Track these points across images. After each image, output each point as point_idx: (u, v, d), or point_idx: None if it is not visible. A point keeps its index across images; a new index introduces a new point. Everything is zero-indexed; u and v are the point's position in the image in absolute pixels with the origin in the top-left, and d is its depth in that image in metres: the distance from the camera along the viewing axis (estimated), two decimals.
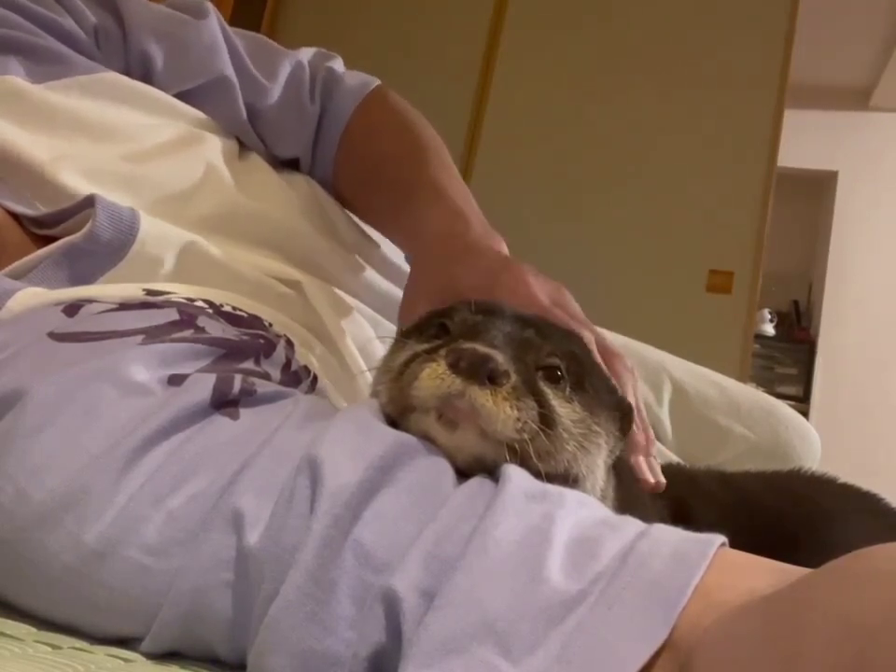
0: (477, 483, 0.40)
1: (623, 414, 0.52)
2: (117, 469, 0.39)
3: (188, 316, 0.50)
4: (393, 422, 0.44)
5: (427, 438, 0.42)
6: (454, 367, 0.42)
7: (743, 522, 0.60)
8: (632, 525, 0.37)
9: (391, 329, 0.73)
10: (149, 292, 0.55)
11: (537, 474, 0.41)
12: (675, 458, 0.96)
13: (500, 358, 0.42)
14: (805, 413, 3.76)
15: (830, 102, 4.47)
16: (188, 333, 0.48)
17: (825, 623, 0.27)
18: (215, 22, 0.76)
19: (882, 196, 4.47)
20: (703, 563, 0.33)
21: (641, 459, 0.56)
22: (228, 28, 0.77)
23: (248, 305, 0.60)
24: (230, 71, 0.75)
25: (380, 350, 0.60)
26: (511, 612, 0.32)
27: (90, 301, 0.51)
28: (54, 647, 0.37)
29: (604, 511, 0.40)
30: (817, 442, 1.07)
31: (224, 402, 0.43)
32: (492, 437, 0.42)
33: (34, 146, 0.63)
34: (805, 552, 0.56)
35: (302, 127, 0.79)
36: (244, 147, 0.78)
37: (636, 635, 0.31)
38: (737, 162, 2.77)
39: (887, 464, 3.82)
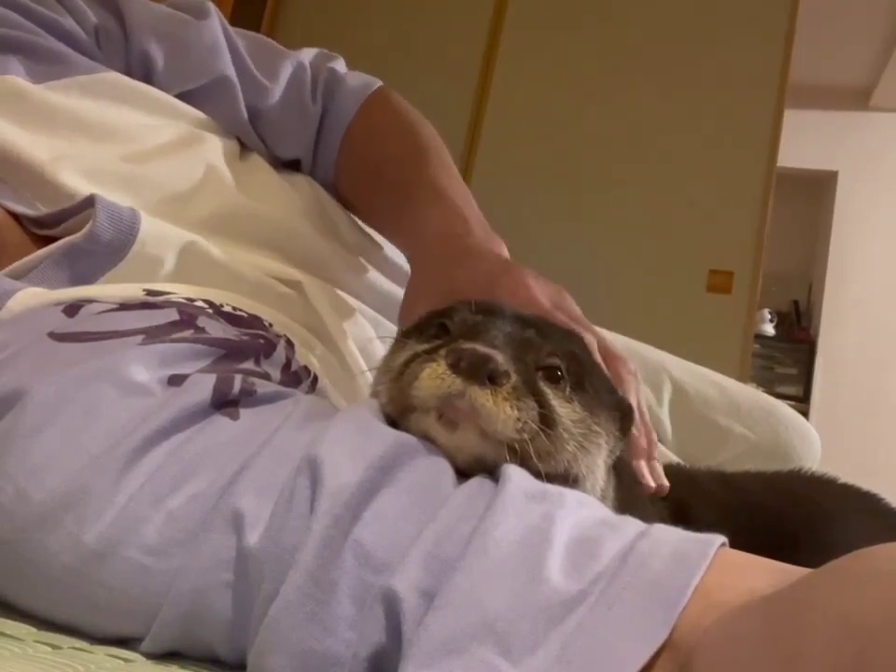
0: (477, 483, 0.40)
1: (623, 414, 0.52)
2: (117, 469, 0.39)
3: (188, 317, 0.50)
4: (393, 422, 0.44)
5: (427, 438, 0.42)
6: (454, 367, 0.42)
7: (743, 522, 0.60)
8: (632, 525, 0.37)
9: (392, 329, 0.73)
10: (149, 292, 0.55)
11: (537, 474, 0.41)
12: (675, 458, 0.96)
13: (500, 358, 0.42)
14: (805, 413, 3.76)
15: (830, 102, 4.47)
16: (188, 333, 0.48)
17: (825, 623, 0.27)
18: (216, 22, 0.76)
19: (882, 196, 4.47)
20: (703, 563, 0.33)
21: (643, 463, 0.56)
22: (229, 28, 0.77)
23: (248, 305, 0.60)
24: (231, 71, 0.75)
25: (380, 350, 0.60)
26: (511, 612, 0.32)
27: (90, 301, 0.51)
28: (54, 647, 0.37)
29: (604, 511, 0.40)
30: (817, 442, 1.07)
31: (224, 402, 0.43)
32: (492, 437, 0.42)
33: (34, 146, 0.63)
34: (804, 552, 0.56)
35: (304, 128, 0.79)
36: (244, 147, 0.78)
37: (636, 635, 0.31)
38: (737, 162, 2.77)
39: (887, 464, 3.82)
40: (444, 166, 0.73)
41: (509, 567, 0.34)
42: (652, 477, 0.56)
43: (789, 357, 4.64)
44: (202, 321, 0.50)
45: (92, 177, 0.63)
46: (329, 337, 0.68)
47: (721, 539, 0.35)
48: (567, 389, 0.47)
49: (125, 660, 0.37)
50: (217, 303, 0.56)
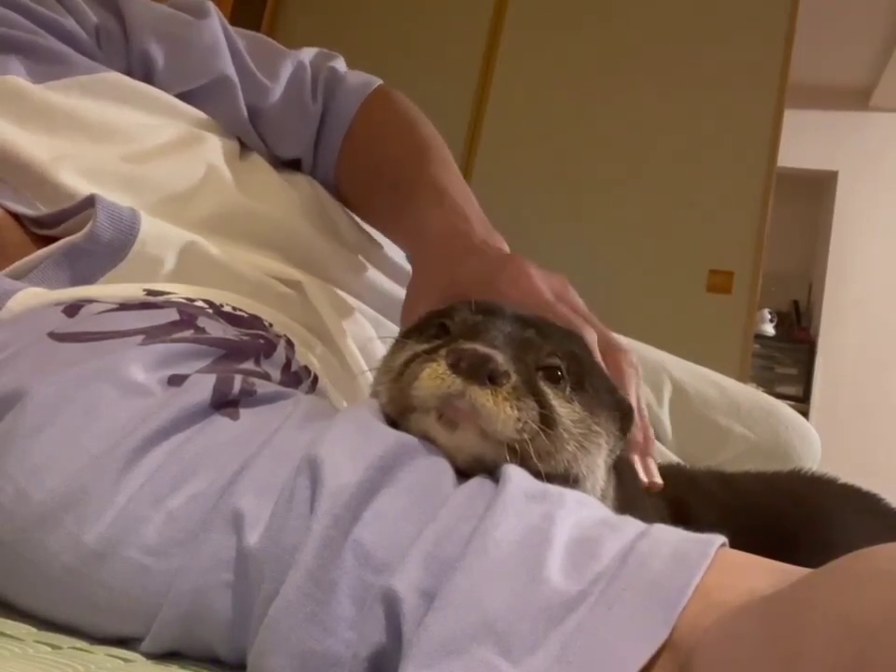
0: (477, 484, 0.40)
1: (622, 414, 0.52)
2: (117, 469, 0.39)
3: (188, 317, 0.50)
4: (393, 422, 0.44)
5: (427, 438, 0.42)
6: (454, 367, 0.42)
7: (743, 522, 0.60)
8: (632, 525, 0.37)
9: (393, 329, 0.73)
10: (150, 292, 0.55)
11: (537, 474, 0.41)
12: (675, 458, 0.96)
13: (500, 359, 0.42)
14: (805, 413, 3.76)
15: (830, 102, 4.47)
16: (188, 333, 0.48)
17: (825, 623, 0.27)
18: (216, 22, 0.76)
19: (882, 196, 4.47)
20: (703, 563, 0.33)
21: (637, 458, 0.56)
22: (229, 28, 0.77)
23: (248, 305, 0.60)
24: (231, 71, 0.75)
25: (381, 350, 0.60)
26: (511, 613, 0.32)
27: (90, 301, 0.51)
28: (54, 647, 0.37)
29: (604, 511, 0.40)
30: (817, 443, 1.07)
31: (224, 403, 0.43)
32: (492, 437, 0.42)
33: (34, 146, 0.63)
34: (804, 552, 0.55)
35: (304, 127, 0.79)
36: (245, 147, 0.78)
37: (636, 635, 0.31)
38: (737, 162, 2.77)
39: (887, 464, 3.82)
40: (445, 164, 0.73)
41: (509, 567, 0.34)
42: (646, 473, 0.56)
43: (789, 357, 4.64)
44: (202, 321, 0.50)
45: (92, 177, 0.63)
46: (330, 337, 0.68)
47: (721, 539, 0.35)
48: (567, 389, 0.47)
49: (125, 660, 0.37)
50: (217, 303, 0.56)
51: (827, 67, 4.18)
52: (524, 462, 0.42)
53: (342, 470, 0.38)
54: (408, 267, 0.80)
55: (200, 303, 0.55)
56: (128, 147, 0.68)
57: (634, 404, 0.55)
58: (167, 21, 0.75)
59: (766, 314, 4.66)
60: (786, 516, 0.67)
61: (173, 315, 0.50)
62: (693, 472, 0.75)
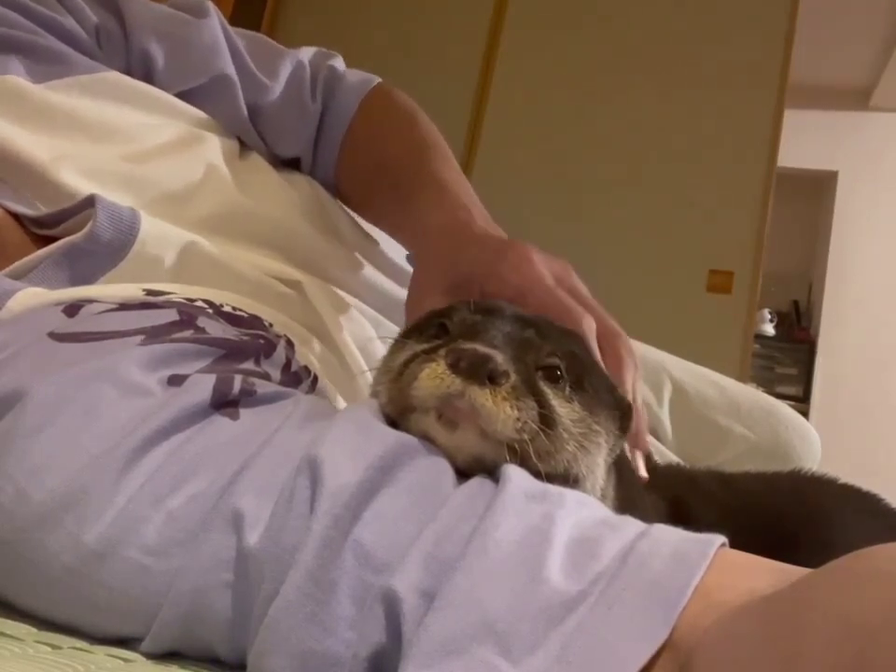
0: (477, 484, 0.40)
1: (622, 413, 0.52)
2: (117, 469, 0.39)
3: (188, 317, 0.50)
4: (393, 422, 0.44)
5: (426, 438, 0.42)
6: (453, 367, 0.42)
7: (743, 522, 0.60)
8: (632, 525, 0.37)
9: (393, 329, 0.73)
10: (149, 292, 0.55)
11: (537, 474, 0.41)
12: (675, 458, 0.96)
13: (500, 358, 0.42)
14: (805, 413, 3.76)
15: (830, 102, 4.47)
16: (188, 333, 0.48)
17: (825, 623, 0.27)
18: (216, 22, 0.76)
19: (882, 196, 4.47)
20: (703, 563, 0.33)
21: (627, 449, 0.56)
22: (229, 27, 0.78)
23: (248, 305, 0.60)
24: (231, 70, 0.75)
25: (380, 350, 0.60)
26: (511, 613, 0.32)
27: (90, 301, 0.51)
28: (54, 647, 0.37)
29: (604, 511, 0.40)
30: (817, 443, 1.07)
31: (224, 403, 0.43)
32: (492, 437, 0.42)
33: (34, 145, 0.63)
34: (804, 552, 0.55)
35: (304, 125, 0.79)
36: (244, 146, 0.78)
37: (636, 635, 0.31)
38: (737, 162, 2.77)
39: (887, 464, 3.82)
40: (446, 161, 0.73)
41: (509, 567, 0.34)
42: (633, 465, 0.56)
43: (789, 357, 4.64)
44: (202, 321, 0.50)
45: (93, 177, 0.63)
46: (329, 337, 0.68)
47: (721, 539, 0.35)
48: (567, 389, 0.47)
49: (125, 660, 0.37)
50: (217, 303, 0.56)
51: (827, 67, 4.18)
52: (523, 462, 0.42)
53: (342, 470, 0.38)
54: (408, 267, 0.80)
55: (200, 303, 0.55)
56: (128, 146, 0.68)
57: (629, 391, 0.55)
58: (167, 21, 0.75)
59: (766, 314, 4.66)
60: (786, 516, 0.67)
61: (173, 315, 0.50)
62: (693, 472, 0.75)
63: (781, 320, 4.78)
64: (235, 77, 0.75)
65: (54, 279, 0.56)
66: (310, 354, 0.62)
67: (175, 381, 0.44)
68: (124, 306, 0.50)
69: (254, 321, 0.57)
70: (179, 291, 0.56)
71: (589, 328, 0.55)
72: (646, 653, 0.31)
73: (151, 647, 0.38)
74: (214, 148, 0.72)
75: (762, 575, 0.33)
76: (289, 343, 0.57)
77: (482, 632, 0.32)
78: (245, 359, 0.49)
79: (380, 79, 0.82)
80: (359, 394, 0.64)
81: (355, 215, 0.82)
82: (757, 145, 2.77)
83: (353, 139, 0.79)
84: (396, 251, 0.82)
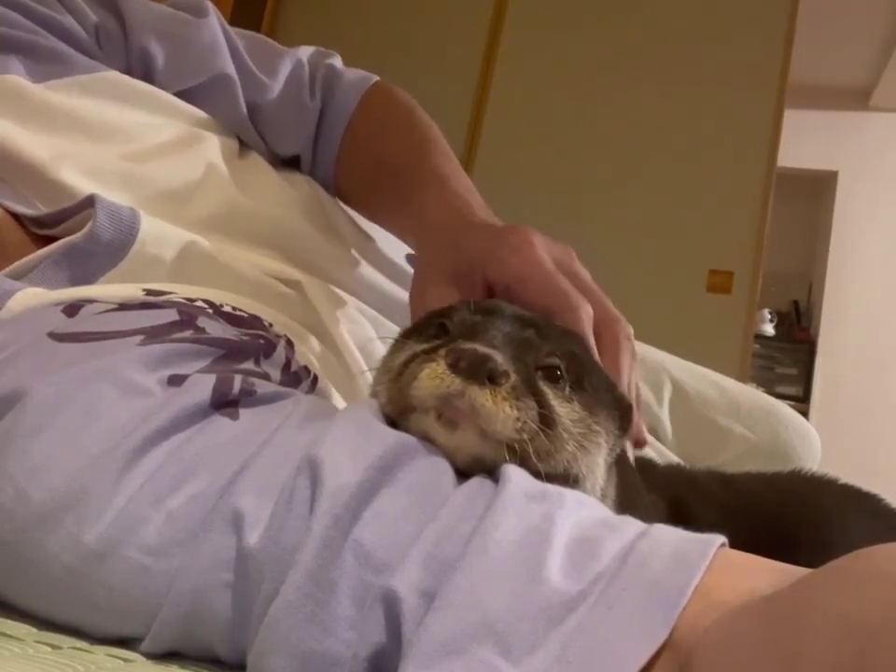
0: (477, 484, 0.40)
1: (622, 412, 0.52)
2: (116, 469, 0.38)
3: (188, 317, 0.50)
4: (393, 422, 0.44)
5: (426, 438, 0.42)
6: (453, 367, 0.42)
7: (743, 522, 0.60)
8: (632, 525, 0.37)
9: (393, 328, 0.73)
10: (149, 292, 0.55)
11: (536, 474, 0.41)
12: (675, 458, 0.96)
13: (500, 358, 0.42)
14: (805, 413, 3.76)
15: (830, 102, 4.47)
16: (188, 333, 0.48)
17: (825, 623, 0.27)
18: (215, 21, 0.76)
19: (882, 196, 4.47)
20: (703, 563, 0.33)
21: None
22: (228, 27, 0.78)
23: (248, 305, 0.60)
24: (230, 69, 0.75)
25: (380, 350, 0.60)
26: (511, 613, 0.32)
27: (90, 301, 0.51)
28: (54, 647, 0.37)
29: (604, 511, 0.40)
30: (817, 443, 1.07)
31: (224, 403, 0.43)
32: (492, 437, 0.42)
33: (34, 145, 0.63)
34: (804, 552, 0.56)
35: (303, 123, 0.79)
36: (244, 146, 0.78)
37: (636, 635, 0.31)
38: (737, 162, 2.77)
39: (887, 464, 3.82)
40: (446, 157, 0.73)
41: (509, 567, 0.34)
42: None
43: (789, 357, 4.64)
44: (202, 321, 0.50)
45: (93, 176, 0.63)
46: (329, 337, 0.68)
47: (720, 539, 0.35)
48: (567, 389, 0.47)
49: (125, 660, 0.37)
50: (217, 303, 0.56)
51: (827, 67, 4.19)
52: (523, 462, 0.42)
53: (342, 470, 0.38)
54: (408, 267, 0.80)
55: (200, 303, 0.54)
56: (128, 146, 0.68)
57: (625, 376, 0.55)
58: (166, 21, 0.75)
59: (766, 314, 4.67)
60: (786, 516, 0.67)
61: (173, 314, 0.50)
62: (693, 472, 0.75)
63: (781, 320, 4.78)
64: (235, 76, 0.75)
65: (54, 279, 0.56)
66: (310, 354, 0.62)
67: (175, 381, 0.44)
68: (124, 306, 0.50)
69: (254, 321, 0.57)
70: (179, 291, 0.56)
71: (586, 314, 0.54)
72: (646, 653, 0.30)
73: (151, 647, 0.38)
74: (213, 148, 0.73)
75: (762, 575, 0.33)
76: (289, 343, 0.57)
77: (482, 632, 0.32)
78: (245, 359, 0.49)
79: (378, 77, 0.82)
80: (359, 394, 0.64)
81: (354, 214, 0.82)
82: (757, 145, 2.77)
83: (353, 136, 0.79)
84: (396, 251, 0.82)
